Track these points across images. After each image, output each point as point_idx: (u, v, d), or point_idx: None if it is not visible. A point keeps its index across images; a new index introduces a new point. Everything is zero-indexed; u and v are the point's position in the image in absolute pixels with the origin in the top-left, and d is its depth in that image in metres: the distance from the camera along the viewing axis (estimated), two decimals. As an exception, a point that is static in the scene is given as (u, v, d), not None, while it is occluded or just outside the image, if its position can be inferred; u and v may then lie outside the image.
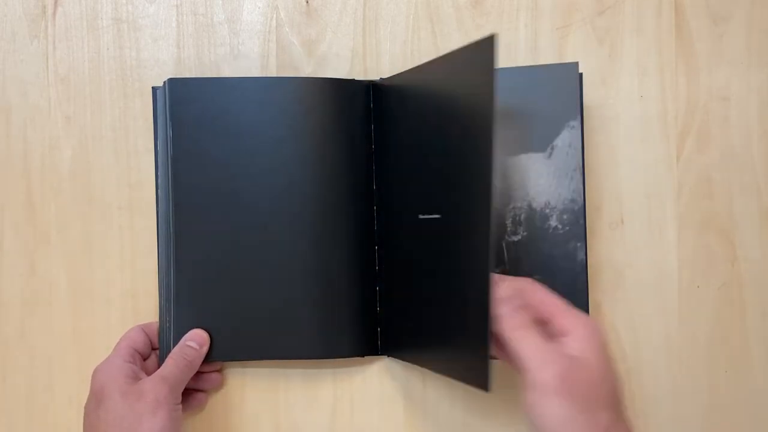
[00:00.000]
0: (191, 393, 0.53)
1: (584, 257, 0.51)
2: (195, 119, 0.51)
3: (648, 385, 0.55)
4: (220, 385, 0.54)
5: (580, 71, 0.54)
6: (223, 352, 0.52)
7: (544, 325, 0.43)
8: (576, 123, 0.51)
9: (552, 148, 0.51)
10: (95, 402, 0.48)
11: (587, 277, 0.52)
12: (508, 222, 0.52)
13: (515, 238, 0.52)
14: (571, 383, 0.40)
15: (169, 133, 0.51)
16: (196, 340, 0.51)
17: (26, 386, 0.55)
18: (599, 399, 0.40)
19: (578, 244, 0.51)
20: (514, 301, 0.43)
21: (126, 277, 0.55)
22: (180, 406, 0.49)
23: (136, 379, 0.48)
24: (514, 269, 0.52)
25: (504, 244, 0.52)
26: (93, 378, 0.49)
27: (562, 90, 0.51)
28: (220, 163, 0.51)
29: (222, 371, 0.54)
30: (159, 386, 0.47)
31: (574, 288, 0.51)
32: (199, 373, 0.53)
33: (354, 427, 0.55)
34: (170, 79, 0.52)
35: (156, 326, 0.53)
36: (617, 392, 0.42)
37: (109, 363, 0.49)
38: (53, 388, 0.55)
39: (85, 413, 0.48)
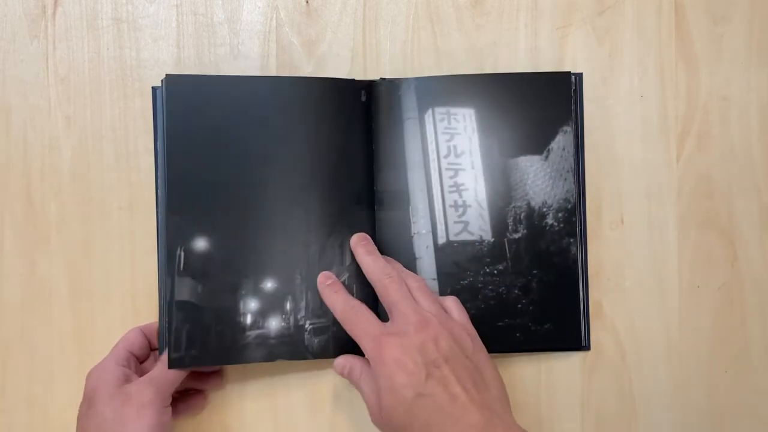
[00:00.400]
0: (191, 394, 0.53)
1: (576, 252, 0.53)
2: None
3: (648, 385, 0.55)
4: (219, 386, 0.54)
5: (580, 71, 0.55)
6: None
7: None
8: (569, 128, 0.54)
9: (548, 151, 0.54)
10: (86, 405, 0.48)
11: (581, 272, 0.53)
12: (510, 220, 0.53)
13: (516, 236, 0.53)
14: (377, 420, 0.46)
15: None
16: None
17: (26, 386, 0.55)
18: (393, 425, 0.45)
19: (571, 240, 0.53)
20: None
21: (126, 277, 0.55)
22: (169, 408, 0.48)
23: (127, 382, 0.48)
24: (515, 265, 0.53)
25: (506, 242, 0.53)
26: (86, 381, 0.49)
27: (556, 97, 0.54)
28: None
29: (222, 372, 0.54)
30: (145, 389, 0.47)
31: (568, 281, 0.53)
32: (199, 374, 0.53)
33: (354, 427, 0.55)
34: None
35: (155, 327, 0.53)
36: (406, 414, 0.44)
37: (102, 366, 0.49)
38: (53, 388, 0.55)
39: (77, 416, 0.48)
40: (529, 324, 0.53)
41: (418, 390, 0.43)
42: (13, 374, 0.55)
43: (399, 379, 0.44)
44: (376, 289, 0.49)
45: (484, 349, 0.48)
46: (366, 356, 0.47)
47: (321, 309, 0.51)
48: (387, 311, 0.48)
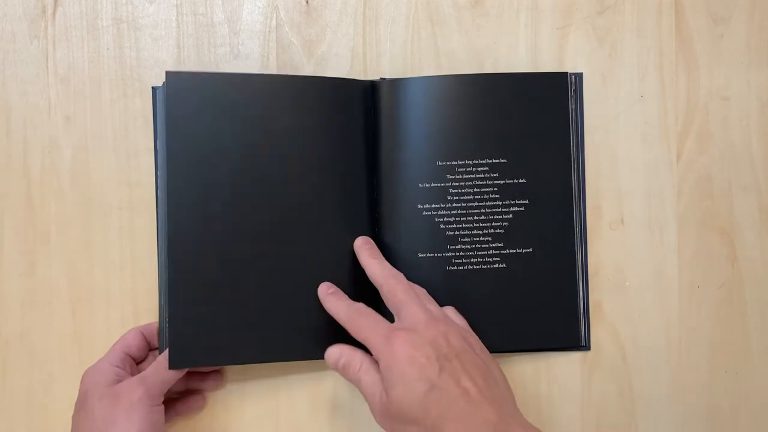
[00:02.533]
0: (190, 394, 0.53)
1: (576, 252, 0.53)
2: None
3: (648, 385, 0.55)
4: (219, 386, 0.54)
5: (580, 71, 0.55)
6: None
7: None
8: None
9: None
10: (79, 406, 0.48)
11: (581, 272, 0.54)
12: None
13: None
14: (381, 413, 0.45)
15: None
16: None
17: (26, 386, 0.55)
18: (404, 418, 0.44)
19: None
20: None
21: (126, 277, 0.55)
22: (161, 408, 0.48)
23: (118, 382, 0.48)
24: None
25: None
26: (81, 382, 0.49)
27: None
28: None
29: (222, 372, 0.54)
30: (135, 387, 0.47)
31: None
32: (198, 374, 0.53)
33: (354, 427, 0.55)
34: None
35: (155, 327, 0.53)
36: (419, 407, 0.43)
37: (95, 367, 0.50)
38: (53, 388, 0.55)
39: (72, 417, 0.49)
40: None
41: (431, 383, 0.43)
42: (13, 374, 0.55)
43: (411, 373, 0.43)
44: (381, 292, 0.49)
45: (488, 351, 0.48)
46: (374, 354, 0.46)
47: (321, 310, 0.51)
48: (393, 312, 0.48)
